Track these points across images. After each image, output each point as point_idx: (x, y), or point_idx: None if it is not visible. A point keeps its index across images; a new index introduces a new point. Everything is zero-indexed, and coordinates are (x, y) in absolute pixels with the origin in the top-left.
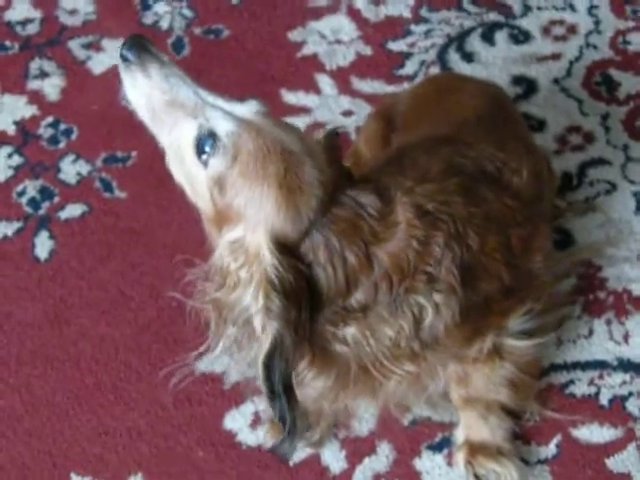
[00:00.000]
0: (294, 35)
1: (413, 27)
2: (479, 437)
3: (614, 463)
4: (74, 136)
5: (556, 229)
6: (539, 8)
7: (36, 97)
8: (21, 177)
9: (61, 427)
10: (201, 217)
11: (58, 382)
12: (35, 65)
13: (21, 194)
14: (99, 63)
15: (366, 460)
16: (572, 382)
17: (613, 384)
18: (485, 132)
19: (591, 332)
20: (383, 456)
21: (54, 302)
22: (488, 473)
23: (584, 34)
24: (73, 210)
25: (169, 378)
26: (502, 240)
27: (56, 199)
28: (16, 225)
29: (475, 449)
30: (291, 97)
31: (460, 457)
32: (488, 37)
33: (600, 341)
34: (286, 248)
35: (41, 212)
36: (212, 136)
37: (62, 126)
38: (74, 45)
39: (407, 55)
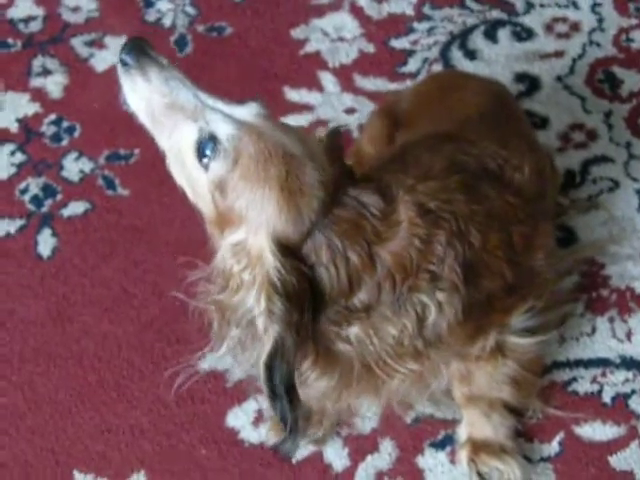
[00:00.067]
0: (297, 32)
1: (416, 25)
2: (482, 435)
3: (617, 461)
4: (77, 133)
5: (559, 226)
6: (542, 5)
7: (39, 95)
8: (24, 174)
9: (64, 425)
10: (203, 218)
11: (61, 380)
12: (38, 63)
13: (24, 191)
14: (102, 60)
15: (369, 458)
16: (575, 380)
17: (616, 382)
18: (488, 129)
19: (594, 330)
20: (386, 454)
21: (57, 300)
22: (491, 471)
23: (587, 31)
24: (76, 208)
25: (173, 378)
26: (504, 237)
27: (59, 197)
28: (19, 222)
29: (478, 447)
30: (294, 94)
31: (463, 455)
32: (491, 34)
33: (603, 339)
34: (288, 250)
35: (44, 210)
36: (213, 139)
37: (65, 124)
38: (77, 42)
39: (410, 53)
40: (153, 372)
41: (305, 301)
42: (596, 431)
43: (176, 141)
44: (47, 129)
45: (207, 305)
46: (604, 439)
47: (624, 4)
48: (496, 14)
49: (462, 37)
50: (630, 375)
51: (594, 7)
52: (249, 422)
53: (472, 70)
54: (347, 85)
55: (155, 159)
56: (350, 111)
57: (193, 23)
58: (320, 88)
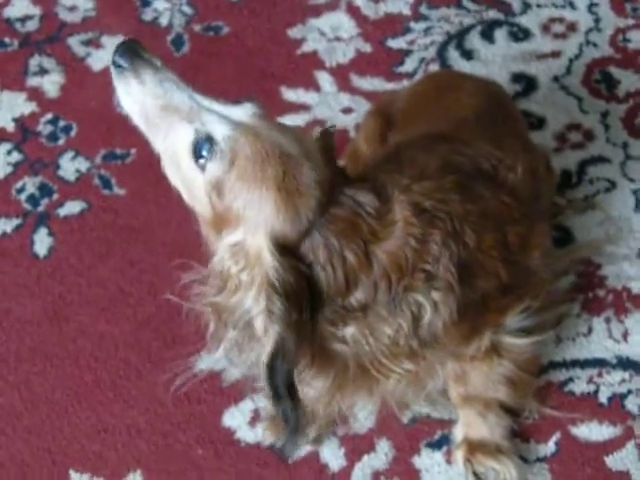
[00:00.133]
0: (294, 32)
1: (413, 24)
2: (478, 435)
3: (613, 461)
4: (73, 133)
5: (555, 227)
6: (539, 5)
7: (35, 94)
8: (20, 174)
9: (60, 424)
10: (198, 220)
11: (57, 379)
12: (34, 62)
13: (20, 191)
14: (98, 60)
15: (365, 458)
16: (571, 380)
17: (612, 382)
18: (483, 130)
19: (590, 330)
20: (382, 454)
21: (53, 299)
22: (487, 471)
23: (584, 32)
24: (72, 207)
25: (171, 379)
26: (499, 237)
27: (55, 196)
28: (15, 222)
29: (474, 447)
30: (291, 94)
31: (459, 455)
32: (488, 35)
33: (599, 339)
34: (286, 249)
35: (40, 209)
36: (209, 140)
37: (61, 123)
38: (73, 42)
39: (407, 52)
40: (150, 372)
41: (303, 300)
42: (592, 431)
43: (171, 143)
44: (43, 128)
45: (203, 307)
46: (600, 439)
47: (621, 4)
48: (493, 14)
49: (459, 37)
50: (626, 375)
51: (591, 7)
52: (245, 422)
53: (469, 70)
54: (344, 85)
55: (152, 159)
56: (347, 111)
57: (190, 22)
58: (317, 88)
